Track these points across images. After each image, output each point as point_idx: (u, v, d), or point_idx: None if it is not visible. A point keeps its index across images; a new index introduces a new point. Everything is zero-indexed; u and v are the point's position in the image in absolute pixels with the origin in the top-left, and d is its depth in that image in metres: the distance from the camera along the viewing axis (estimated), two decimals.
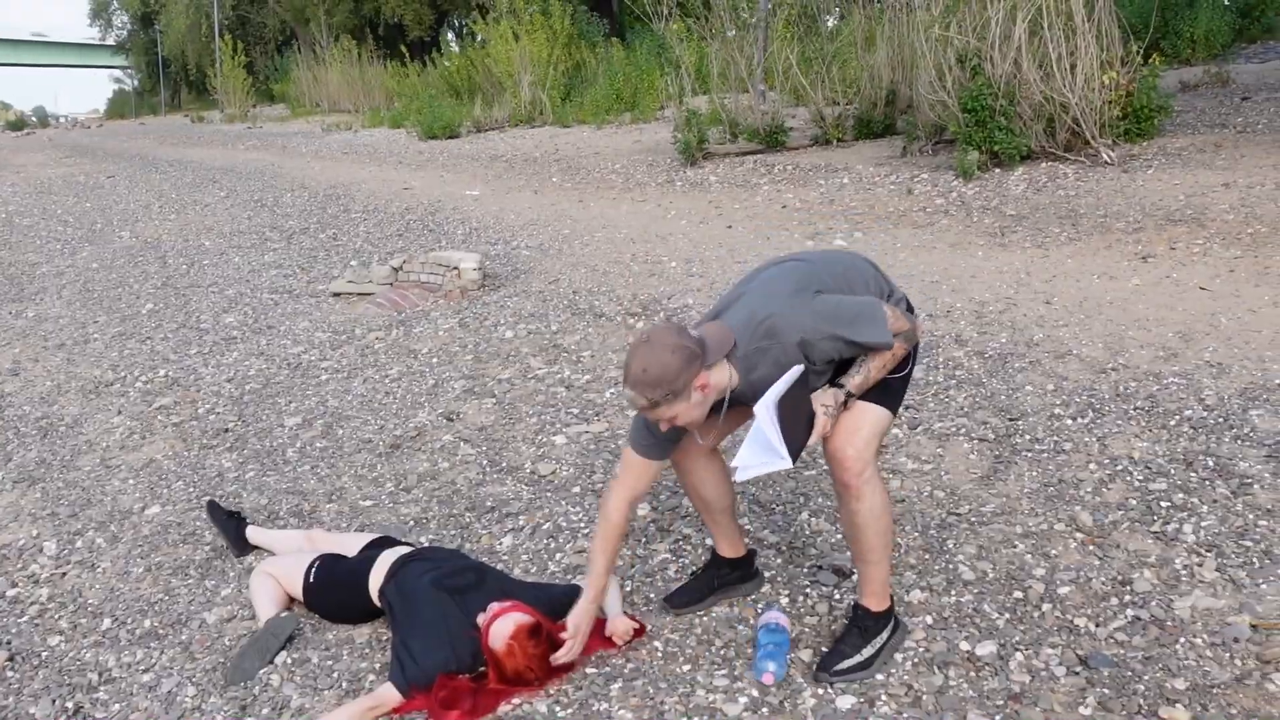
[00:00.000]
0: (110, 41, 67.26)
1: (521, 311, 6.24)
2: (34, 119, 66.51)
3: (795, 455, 2.30)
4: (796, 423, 2.33)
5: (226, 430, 4.74)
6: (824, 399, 2.39)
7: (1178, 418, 3.69)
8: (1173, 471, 3.33)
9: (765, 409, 2.25)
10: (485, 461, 4.09)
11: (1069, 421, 3.80)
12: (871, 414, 2.46)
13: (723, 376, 2.37)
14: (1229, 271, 5.39)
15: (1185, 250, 5.85)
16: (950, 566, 2.98)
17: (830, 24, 14.19)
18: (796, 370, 2.32)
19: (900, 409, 2.57)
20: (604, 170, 12.35)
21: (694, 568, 3.13)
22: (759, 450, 2.31)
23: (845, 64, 12.46)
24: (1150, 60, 8.94)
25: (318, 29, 35.67)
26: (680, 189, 10.60)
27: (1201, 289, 5.17)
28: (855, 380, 2.39)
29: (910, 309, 2.57)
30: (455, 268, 6.98)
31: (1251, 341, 4.36)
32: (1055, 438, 3.69)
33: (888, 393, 2.49)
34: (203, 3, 45.59)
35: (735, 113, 12.43)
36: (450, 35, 39.78)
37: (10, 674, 2.92)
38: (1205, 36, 13.84)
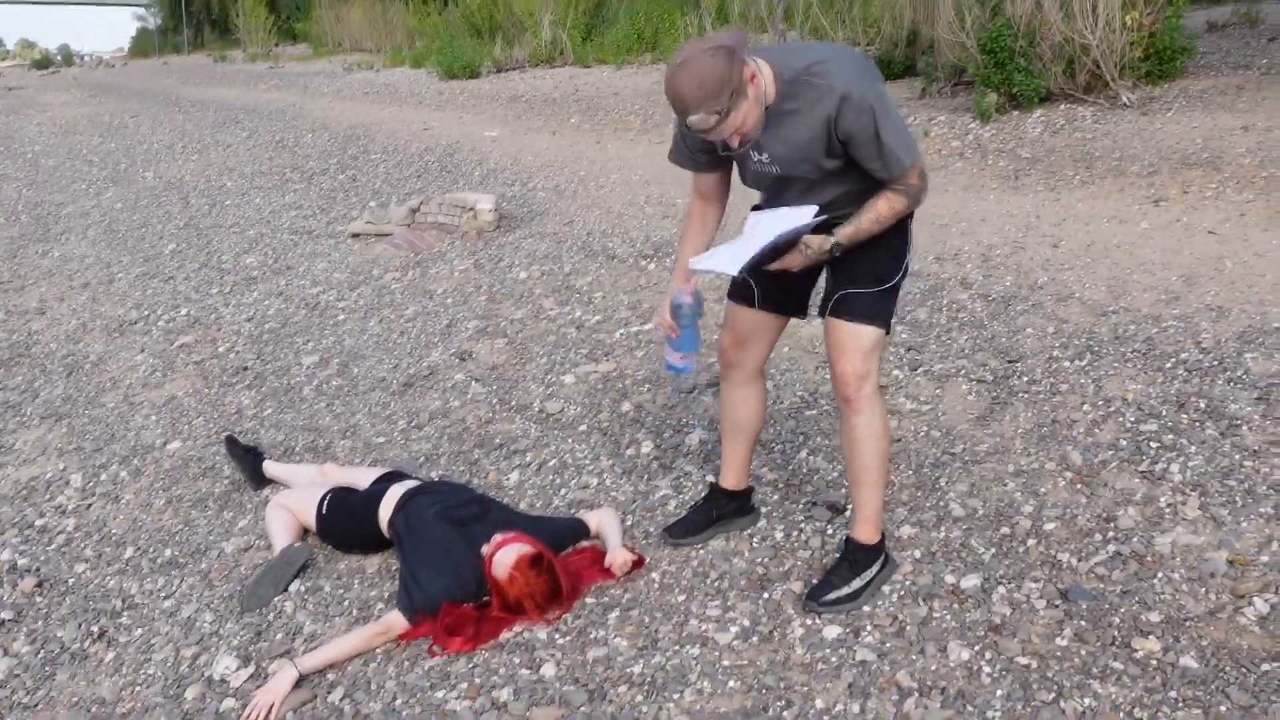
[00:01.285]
0: None
1: (535, 253, 6.31)
2: (59, 57, 66.46)
3: (746, 270, 2.43)
4: (775, 253, 2.43)
5: (245, 368, 4.87)
6: (810, 240, 2.43)
7: (1173, 360, 3.74)
8: (1164, 413, 3.39)
9: (767, 233, 2.36)
10: (495, 400, 4.19)
11: (1066, 364, 3.85)
12: (865, 331, 2.52)
13: (764, 74, 2.33)
14: (1239, 215, 5.38)
15: (1198, 194, 5.84)
16: (941, 503, 3.07)
17: None
18: (809, 214, 2.39)
19: (893, 325, 2.64)
20: (623, 111, 12.32)
21: (694, 503, 3.23)
22: (725, 256, 2.46)
23: (867, 3, 12.31)
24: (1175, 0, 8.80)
25: None
26: None
27: (1210, 233, 5.17)
28: (846, 230, 2.42)
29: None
30: (471, 209, 7.05)
31: (1254, 285, 4.39)
32: (1052, 379, 3.75)
33: (879, 306, 2.53)
34: None
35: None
36: None
37: (39, 600, 3.07)
38: None
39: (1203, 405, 3.40)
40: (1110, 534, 2.82)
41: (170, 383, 4.78)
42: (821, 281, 2.69)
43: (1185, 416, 3.35)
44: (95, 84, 31.46)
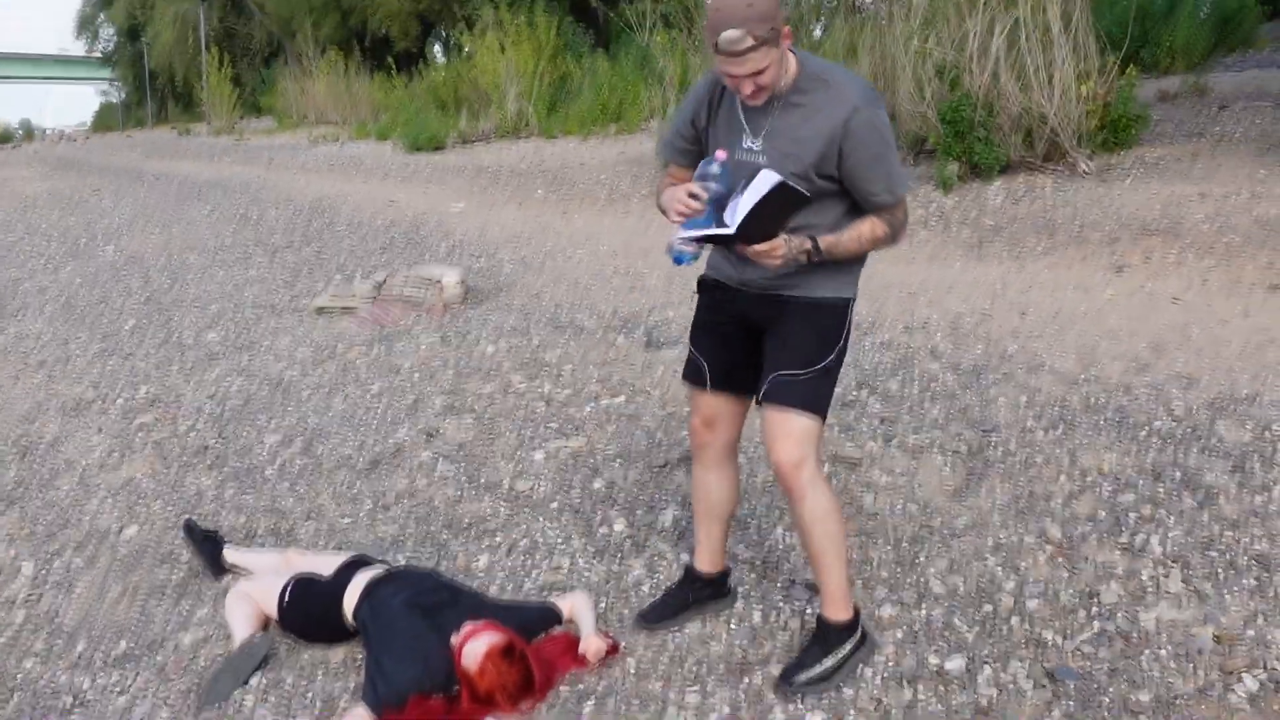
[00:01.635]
0: (97, 54, 67.11)
1: (503, 326, 6.26)
2: (20, 132, 66.30)
3: (740, 237, 2.31)
4: (765, 221, 2.32)
5: (206, 448, 4.75)
6: (790, 237, 2.38)
7: (1147, 429, 3.74)
8: (1141, 484, 3.37)
9: (765, 182, 2.26)
10: (463, 479, 4.11)
11: (1041, 434, 3.84)
12: (796, 419, 2.49)
13: (787, 56, 2.36)
14: (1202, 282, 5.45)
15: (1160, 261, 5.91)
16: (922, 581, 3.01)
17: (816, 34, 14.26)
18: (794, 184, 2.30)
19: (829, 411, 2.62)
20: (589, 182, 12.40)
21: (669, 585, 3.14)
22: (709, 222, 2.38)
23: None
24: (1127, 71, 9.01)
25: (305, 41, 35.60)
26: None
27: (1174, 300, 5.22)
28: (828, 238, 2.40)
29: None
30: (438, 282, 7.00)
31: (1221, 353, 4.42)
32: (1027, 450, 3.73)
33: (811, 391, 2.51)
34: (189, 16, 45.55)
35: None
36: (437, 47, 39.83)
37: None
38: (1184, 46, 13.94)
39: (1179, 475, 3.38)
40: (1094, 610, 2.77)
41: (128, 464, 4.65)
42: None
43: (1162, 487, 3.33)
44: (57, 159, 31.37)
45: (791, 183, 2.26)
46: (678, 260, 2.45)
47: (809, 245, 2.37)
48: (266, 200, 14.26)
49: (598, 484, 3.91)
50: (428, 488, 4.06)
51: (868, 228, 2.41)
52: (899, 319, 5.47)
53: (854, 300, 2.59)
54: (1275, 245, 5.85)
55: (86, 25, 64.39)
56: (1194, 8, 15.71)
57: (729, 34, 2.20)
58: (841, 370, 2.63)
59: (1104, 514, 3.24)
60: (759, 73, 2.27)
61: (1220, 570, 2.87)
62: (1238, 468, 3.37)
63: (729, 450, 2.82)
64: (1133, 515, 3.20)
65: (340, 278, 8.28)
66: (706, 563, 2.97)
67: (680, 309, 6.16)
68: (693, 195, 2.36)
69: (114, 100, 68.93)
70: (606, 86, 18.13)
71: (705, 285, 2.75)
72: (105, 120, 66.76)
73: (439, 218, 11.03)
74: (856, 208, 2.44)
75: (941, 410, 4.21)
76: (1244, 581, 2.80)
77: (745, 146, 2.44)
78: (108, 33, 62.59)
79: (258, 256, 9.86)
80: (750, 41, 2.20)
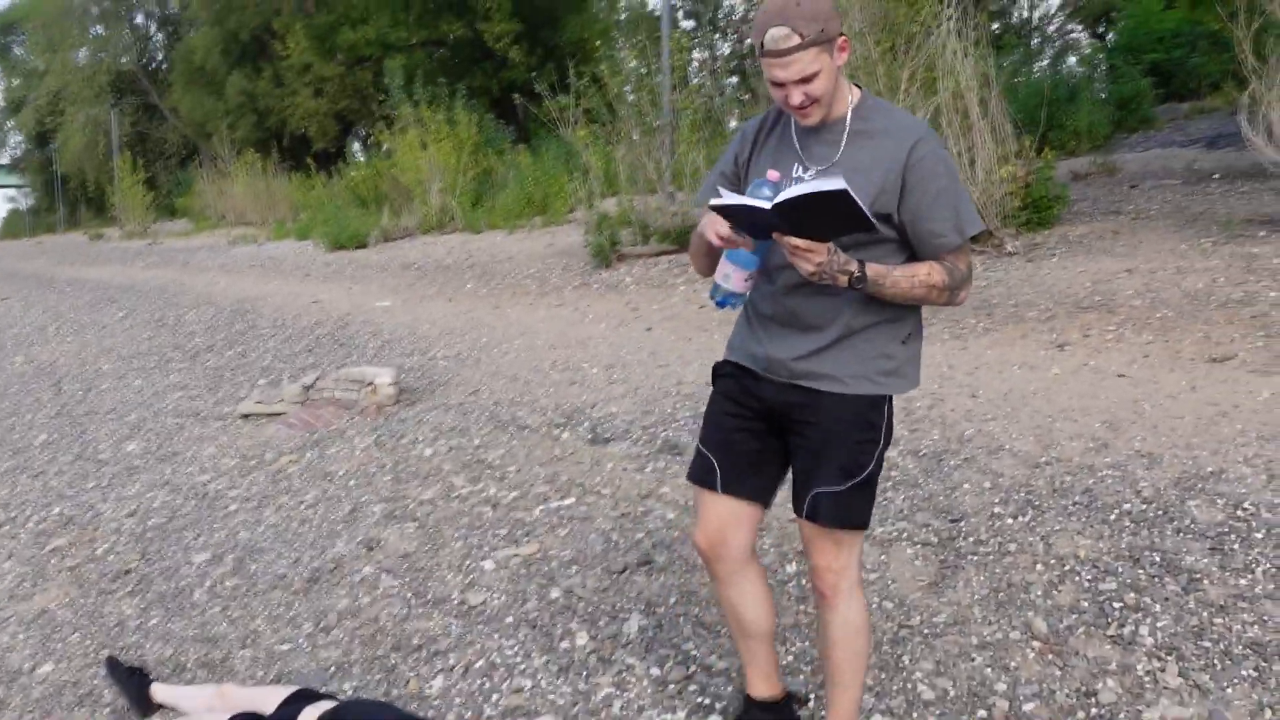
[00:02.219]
0: (4, 161, 65.83)
1: (441, 426, 6.04)
2: None
3: (781, 223, 2.03)
4: (813, 221, 2.04)
5: (128, 572, 4.43)
6: (838, 251, 2.11)
7: (1117, 512, 3.65)
8: (1120, 569, 3.26)
9: (831, 183, 1.99)
10: (409, 594, 3.86)
11: (1010, 520, 3.73)
12: (846, 533, 2.31)
13: (843, 81, 2.22)
14: (1144, 357, 5.47)
15: (1099, 337, 5.94)
16: (909, 685, 2.85)
17: (732, 125, 14.51)
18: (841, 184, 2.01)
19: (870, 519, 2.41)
20: (518, 275, 12.29)
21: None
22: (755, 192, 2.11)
23: None
24: (1043, 153, 9.24)
25: (220, 143, 35.30)
26: (596, 291, 10.56)
27: (1120, 376, 5.22)
28: (878, 267, 2.14)
29: None
30: (370, 383, 6.76)
31: (1177, 429, 4.38)
32: (999, 539, 3.61)
33: (853, 505, 2.29)
34: (101, 120, 44.99)
35: (645, 214, 12.52)
36: (356, 146, 39.82)
37: None
38: (1088, 129, 14.46)
39: (1158, 559, 3.28)
40: (1094, 710, 2.63)
41: (41, 594, 4.30)
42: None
43: (1142, 572, 3.23)
44: None
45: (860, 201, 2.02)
46: (721, 303, 2.26)
47: (854, 267, 2.10)
48: (184, 303, 13.88)
49: (554, 593, 3.70)
50: (371, 605, 3.80)
51: (926, 269, 2.17)
52: None
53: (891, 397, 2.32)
54: (1207, 318, 5.92)
55: None
56: (1093, 92, 16.40)
57: (774, 31, 2.08)
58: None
59: (1087, 604, 3.12)
60: (807, 79, 2.11)
61: (1216, 660, 2.75)
62: (1216, 548, 3.28)
63: (746, 557, 2.49)
64: (1117, 604, 3.08)
65: (266, 381, 8.00)
66: (762, 687, 2.62)
67: (624, 402, 6.01)
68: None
69: (22, 207, 67.51)
70: (530, 180, 18.18)
71: (722, 372, 2.50)
72: (13, 227, 65.24)
73: (365, 315, 10.80)
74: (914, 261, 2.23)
75: (906, 499, 4.09)
76: (1242, 671, 2.68)
77: (796, 176, 2.25)
78: (15, 139, 61.55)
79: (177, 361, 9.51)
80: (796, 40, 2.07)
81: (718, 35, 35.64)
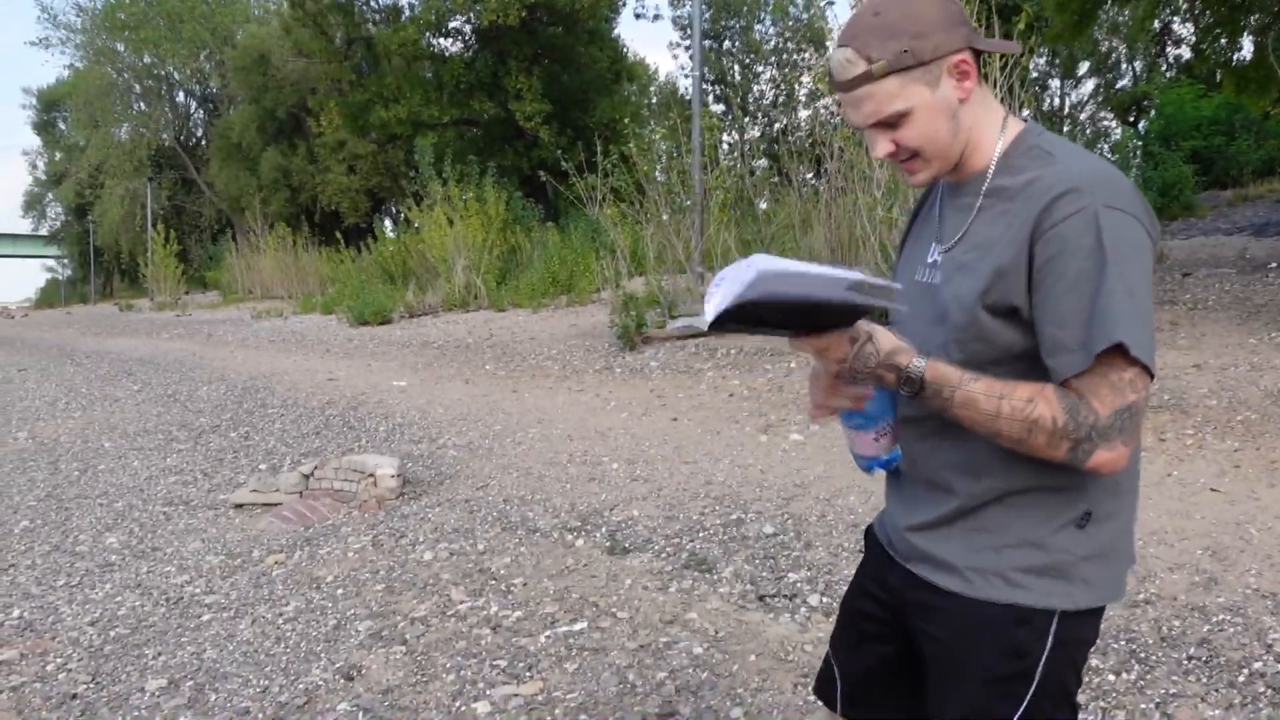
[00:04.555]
0: (44, 232, 66.84)
1: (444, 527, 5.49)
2: None
3: (740, 322, 1.34)
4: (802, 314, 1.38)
5: (74, 696, 3.86)
6: (879, 337, 1.43)
7: (1246, 672, 3.03)
8: None
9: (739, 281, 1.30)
10: None
11: (1111, 677, 3.11)
12: None
13: (993, 115, 1.53)
14: (1234, 468, 4.86)
15: (1177, 442, 5.34)
16: None
17: (763, 206, 14.14)
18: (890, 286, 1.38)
19: None
20: (540, 356, 11.81)
21: None
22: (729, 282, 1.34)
23: (784, 247, 12.26)
24: None
25: (253, 217, 35.55)
26: (620, 376, 10.05)
27: (1213, 490, 4.61)
28: (944, 368, 1.42)
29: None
30: (371, 475, 6.24)
31: None
32: (1100, 702, 2.99)
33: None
34: (138, 193, 45.56)
35: (674, 295, 12.07)
36: (386, 222, 39.97)
37: None
38: None
39: None
40: None
41: None
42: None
43: None
44: None
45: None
46: (883, 465, 1.61)
47: (903, 359, 1.42)
48: (199, 378, 13.50)
49: None
50: None
51: (1027, 394, 1.39)
52: (880, 506, 4.79)
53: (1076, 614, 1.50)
54: None
55: (35, 204, 64.42)
56: (1133, 177, 15.97)
57: (837, 55, 1.47)
58: None
59: None
60: (890, 123, 1.47)
61: None
62: None
63: None
64: None
65: (266, 467, 7.49)
66: None
67: (645, 504, 5.45)
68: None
69: (59, 277, 68.40)
70: (556, 258, 17.86)
71: (870, 543, 1.83)
72: (49, 296, 66.08)
73: (380, 396, 10.33)
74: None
75: None
76: None
77: (929, 262, 1.60)
78: (55, 210, 62.58)
79: (179, 441, 9.04)
80: (862, 66, 1.44)
81: (747, 119, 35.72)
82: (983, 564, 1.51)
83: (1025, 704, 1.48)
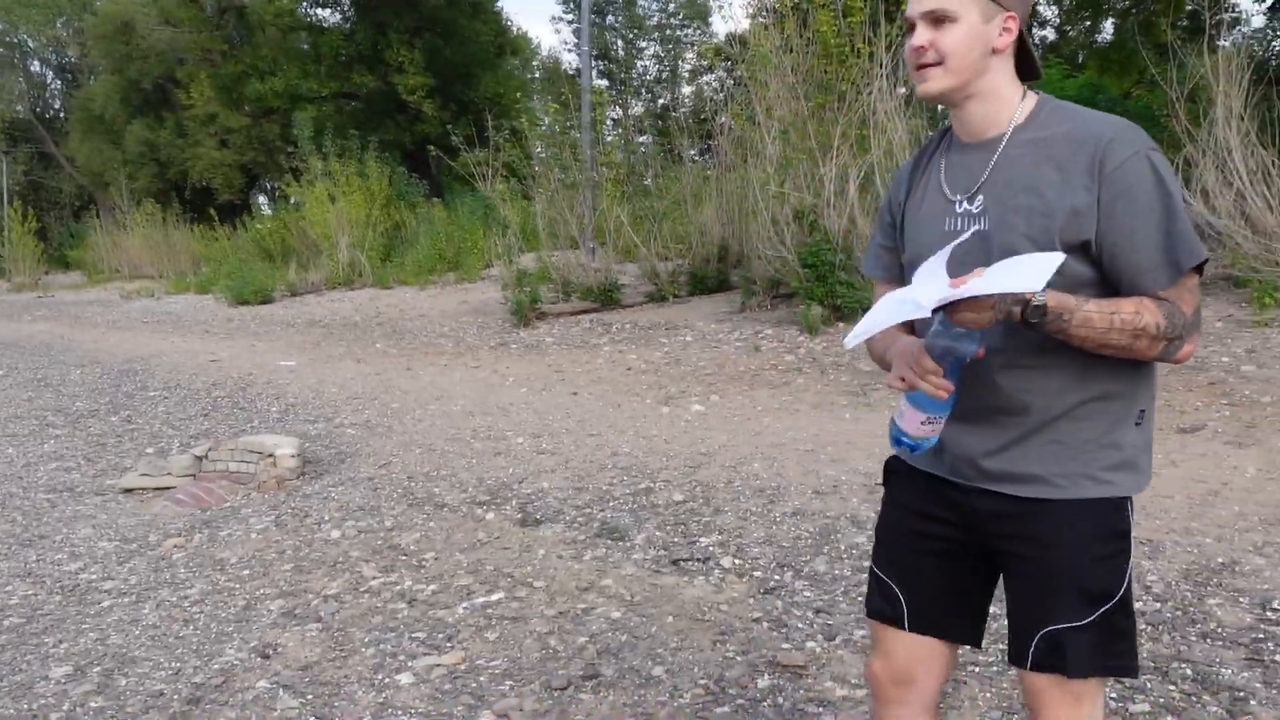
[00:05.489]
0: None
1: (349, 504, 5.43)
2: None
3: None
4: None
5: None
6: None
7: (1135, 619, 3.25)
8: (1150, 686, 2.84)
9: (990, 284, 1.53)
10: (312, 716, 3.25)
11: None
12: (1087, 687, 1.72)
13: (1016, 86, 1.75)
14: None
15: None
16: None
17: (647, 181, 14.21)
18: (1055, 260, 1.55)
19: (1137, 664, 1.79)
20: (432, 333, 11.70)
21: None
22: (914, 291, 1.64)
23: (677, 220, 12.37)
24: None
25: (118, 193, 34.02)
26: (516, 352, 10.03)
27: None
28: (1065, 298, 1.57)
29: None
30: (270, 455, 6.11)
31: (1169, 509, 4.02)
32: (1001, 645, 3.17)
33: (1108, 641, 1.70)
34: None
35: (566, 270, 12.08)
36: (261, 198, 38.78)
37: None
38: None
39: (1189, 672, 2.87)
40: None
41: None
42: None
43: (1175, 689, 2.81)
44: None
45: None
46: (913, 448, 1.74)
47: (1032, 297, 1.55)
48: (70, 361, 12.95)
49: (485, 717, 3.13)
50: None
51: (1132, 308, 1.61)
52: (805, 482, 4.94)
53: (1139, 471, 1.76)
54: (1164, 384, 5.64)
55: None
56: None
57: None
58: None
59: None
60: (940, 19, 1.67)
61: None
62: (1254, 659, 2.88)
63: (927, 710, 1.95)
64: None
65: (153, 451, 7.26)
66: None
67: (555, 476, 5.48)
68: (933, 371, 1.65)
69: None
70: (443, 235, 17.67)
71: (898, 471, 1.97)
72: None
73: (269, 376, 10.09)
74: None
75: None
76: None
77: (959, 213, 1.76)
78: None
79: (55, 427, 8.67)
80: None
81: (631, 96, 35.76)
82: (1069, 470, 1.71)
83: (1128, 573, 1.73)
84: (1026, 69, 1.77)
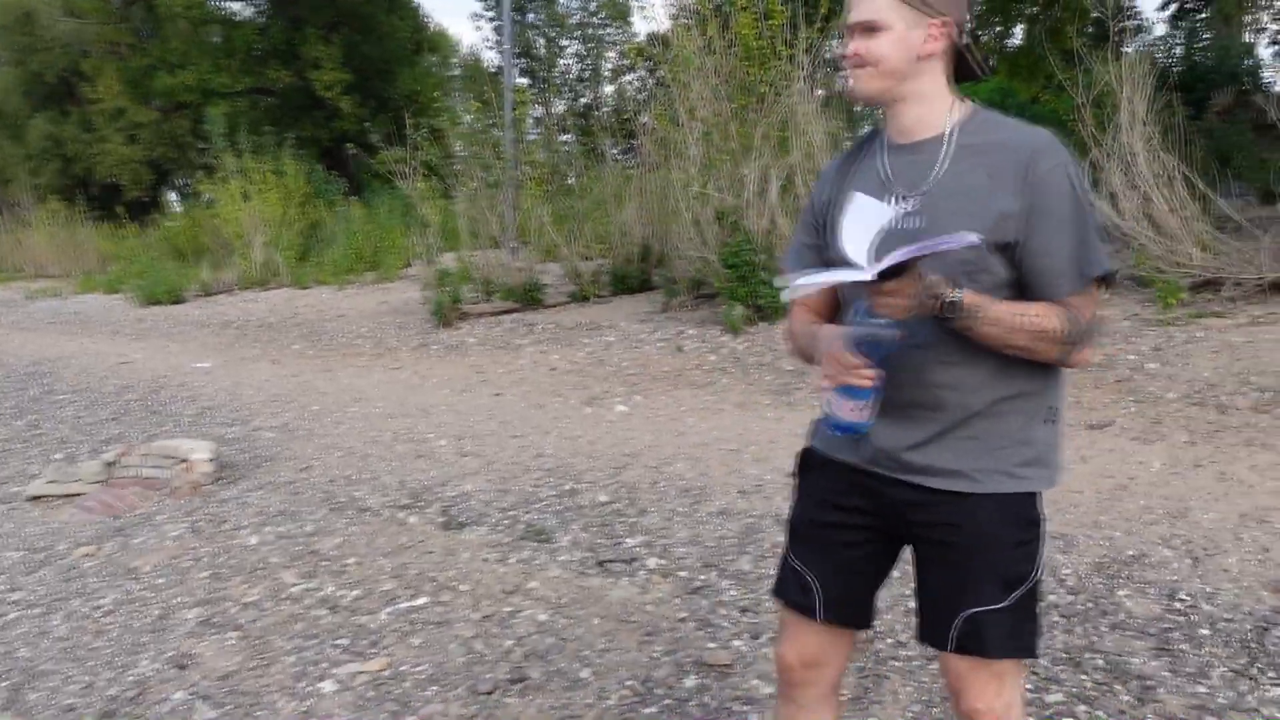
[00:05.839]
0: None
1: (267, 510, 5.33)
2: None
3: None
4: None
5: None
6: (928, 276, 1.67)
7: (1045, 604, 3.33)
8: (1064, 676, 2.92)
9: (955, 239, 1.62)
10: None
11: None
12: (1003, 664, 1.83)
13: (946, 94, 1.85)
14: None
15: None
16: None
17: (569, 181, 14.19)
18: (967, 238, 1.63)
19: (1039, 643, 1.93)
20: (350, 334, 11.54)
21: None
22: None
23: (598, 220, 12.37)
24: None
25: (21, 190, 32.87)
26: (437, 353, 9.94)
27: None
28: (976, 297, 1.69)
29: None
30: (185, 460, 5.97)
31: (1079, 504, 4.14)
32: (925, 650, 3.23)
33: (1019, 623, 1.82)
34: None
35: (488, 270, 12.00)
36: (172, 195, 37.78)
37: None
38: None
39: (1101, 662, 2.96)
40: None
41: None
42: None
43: (1087, 679, 2.89)
44: None
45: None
46: (848, 430, 1.79)
47: (944, 290, 1.67)
48: None
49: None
50: None
51: (1041, 310, 1.73)
52: (729, 481, 4.98)
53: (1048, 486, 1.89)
54: (1075, 382, 5.81)
55: None
56: None
57: None
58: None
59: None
60: (872, 29, 1.78)
61: None
62: (1163, 649, 2.99)
63: (832, 690, 2.08)
64: None
65: (61, 457, 7.03)
66: None
67: (479, 479, 5.45)
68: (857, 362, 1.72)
69: None
70: (361, 234, 17.42)
71: (813, 463, 2.03)
72: None
73: (182, 379, 9.84)
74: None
75: None
76: None
77: (897, 209, 1.85)
78: None
79: None
80: None
81: (552, 95, 35.64)
82: (984, 465, 1.81)
83: (1038, 559, 1.84)
84: (965, 71, 1.87)
